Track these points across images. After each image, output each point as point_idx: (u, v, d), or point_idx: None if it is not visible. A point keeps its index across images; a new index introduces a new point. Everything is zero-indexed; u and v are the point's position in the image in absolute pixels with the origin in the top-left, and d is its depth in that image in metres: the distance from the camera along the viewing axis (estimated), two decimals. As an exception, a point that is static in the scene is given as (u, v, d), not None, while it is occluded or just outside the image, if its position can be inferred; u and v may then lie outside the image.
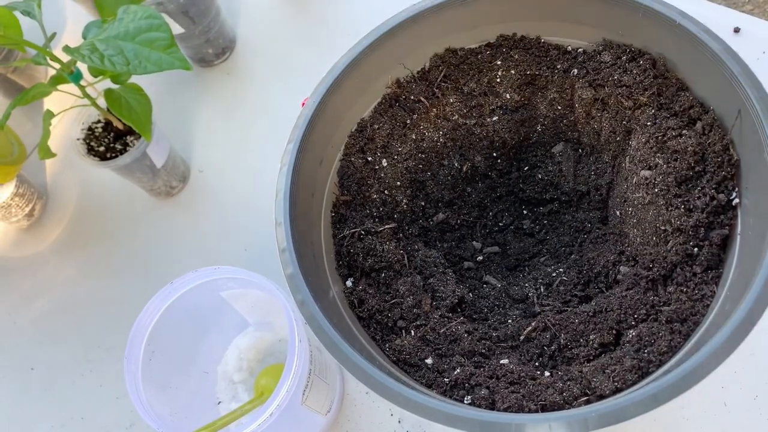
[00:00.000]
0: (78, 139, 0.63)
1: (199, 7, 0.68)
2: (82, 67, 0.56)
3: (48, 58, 0.54)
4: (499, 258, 0.55)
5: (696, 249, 0.40)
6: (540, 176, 0.55)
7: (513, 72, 0.51)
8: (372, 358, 0.41)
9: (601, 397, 0.38)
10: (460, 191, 0.56)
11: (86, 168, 0.66)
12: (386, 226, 0.49)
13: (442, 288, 0.47)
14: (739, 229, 0.39)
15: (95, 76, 0.57)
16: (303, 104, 0.46)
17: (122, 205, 0.71)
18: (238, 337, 0.57)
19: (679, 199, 0.41)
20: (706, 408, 0.49)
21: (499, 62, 0.51)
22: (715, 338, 0.32)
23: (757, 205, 0.38)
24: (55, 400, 0.62)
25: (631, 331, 0.40)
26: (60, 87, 0.56)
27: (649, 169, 0.44)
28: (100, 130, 0.63)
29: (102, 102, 0.59)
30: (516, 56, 0.51)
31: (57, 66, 0.54)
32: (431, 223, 0.55)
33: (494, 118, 0.54)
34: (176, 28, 0.68)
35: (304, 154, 0.45)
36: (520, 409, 0.38)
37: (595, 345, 0.40)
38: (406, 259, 0.48)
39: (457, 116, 0.53)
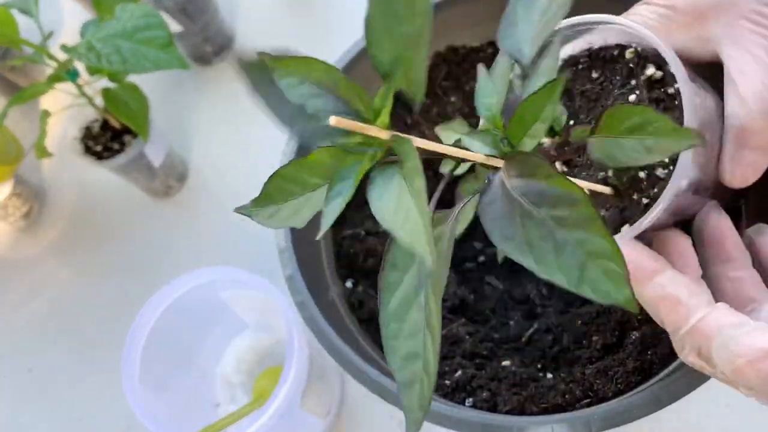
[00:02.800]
0: (75, 138, 0.62)
1: (197, 5, 0.68)
2: (79, 66, 0.55)
3: (45, 57, 0.53)
4: (500, 258, 0.54)
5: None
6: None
7: (515, 70, 0.51)
8: (372, 360, 0.40)
9: (604, 399, 0.37)
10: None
11: (84, 168, 0.65)
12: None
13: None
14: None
15: (93, 75, 0.56)
16: (302, 103, 0.46)
17: (120, 206, 0.70)
18: (237, 338, 0.56)
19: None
20: (709, 410, 0.48)
21: (501, 60, 0.51)
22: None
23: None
24: (52, 401, 0.62)
25: (634, 333, 0.39)
26: (57, 86, 0.56)
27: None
28: (97, 129, 0.63)
29: (99, 101, 0.58)
30: (518, 54, 0.50)
31: (54, 64, 0.54)
32: (432, 223, 0.55)
33: (495, 117, 0.53)
34: (174, 27, 0.68)
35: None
36: (522, 412, 0.38)
37: (598, 347, 0.40)
38: (406, 259, 0.47)
39: (458, 115, 0.53)
